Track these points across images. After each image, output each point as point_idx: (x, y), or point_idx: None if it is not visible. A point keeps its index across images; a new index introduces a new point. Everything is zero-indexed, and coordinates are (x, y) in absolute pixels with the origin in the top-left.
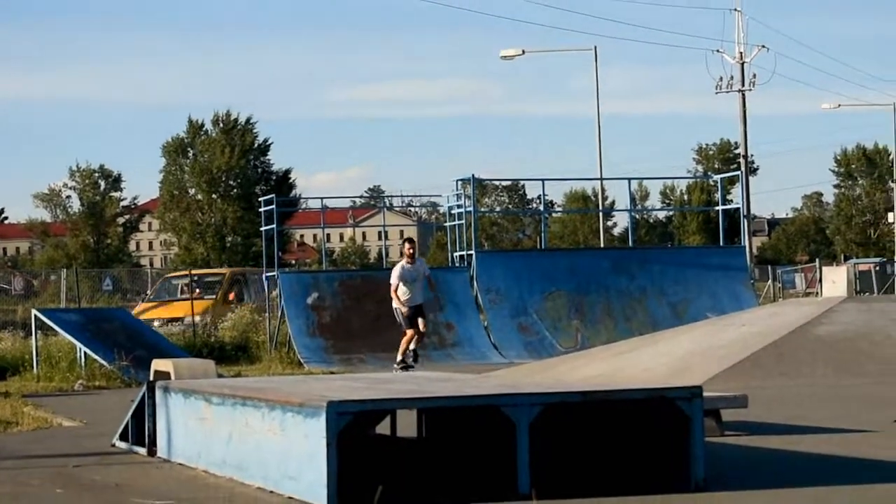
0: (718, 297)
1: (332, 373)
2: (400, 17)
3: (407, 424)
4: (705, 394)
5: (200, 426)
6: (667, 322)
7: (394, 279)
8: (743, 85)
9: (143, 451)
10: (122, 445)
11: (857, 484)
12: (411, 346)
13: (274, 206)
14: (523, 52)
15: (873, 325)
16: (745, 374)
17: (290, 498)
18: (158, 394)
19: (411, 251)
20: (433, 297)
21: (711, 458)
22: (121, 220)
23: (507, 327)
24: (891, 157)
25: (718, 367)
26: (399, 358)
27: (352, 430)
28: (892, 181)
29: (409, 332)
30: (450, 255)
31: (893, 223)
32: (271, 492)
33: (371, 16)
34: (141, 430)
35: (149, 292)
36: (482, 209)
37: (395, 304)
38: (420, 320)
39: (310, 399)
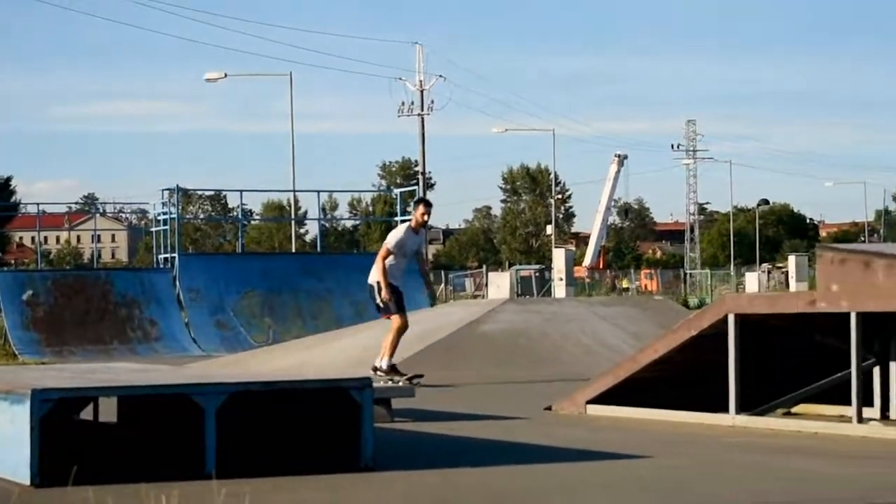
0: None
1: (43, 363)
2: (126, 43)
3: (110, 411)
4: (378, 384)
5: None
6: (350, 320)
7: (390, 242)
8: (422, 110)
9: None
10: None
11: (510, 465)
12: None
13: None
14: (226, 75)
15: (530, 323)
16: (417, 366)
17: None
18: None
19: (425, 217)
20: (423, 280)
21: (381, 441)
22: None
23: (206, 323)
24: (550, 176)
25: (393, 361)
26: (387, 360)
27: (55, 415)
28: (552, 197)
29: (399, 319)
30: (155, 257)
31: (551, 235)
32: None
33: (92, 43)
34: None
35: None
36: (186, 216)
37: (376, 276)
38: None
39: (16, 387)
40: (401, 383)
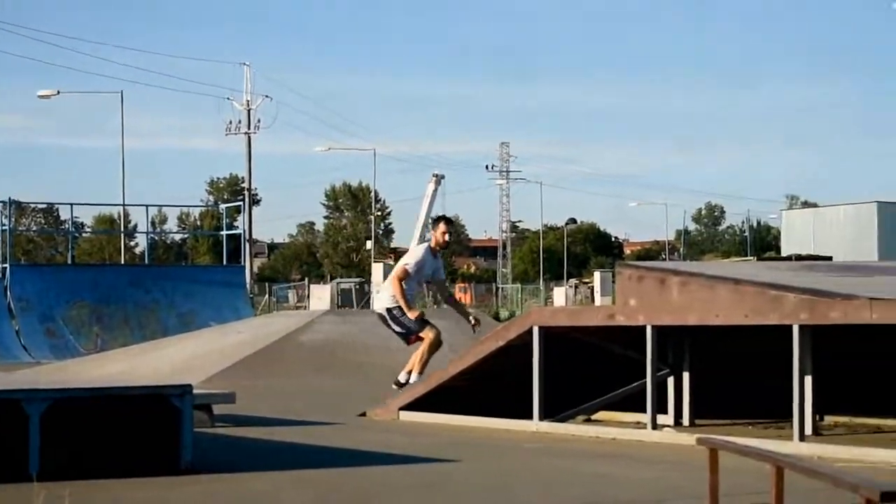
0: (221, 308)
1: None
2: None
3: None
4: (200, 390)
5: None
6: (176, 329)
7: (409, 262)
8: (249, 128)
9: None
10: None
11: (327, 468)
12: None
13: None
14: (59, 92)
15: (348, 333)
16: (239, 374)
17: None
18: None
19: (446, 237)
20: (459, 309)
21: (202, 445)
22: None
23: (36, 332)
24: (371, 194)
25: (217, 368)
26: (416, 376)
27: None
28: (372, 214)
29: (429, 333)
30: None
31: (371, 249)
32: None
33: None
34: None
35: None
36: (19, 228)
37: (389, 300)
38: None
39: None
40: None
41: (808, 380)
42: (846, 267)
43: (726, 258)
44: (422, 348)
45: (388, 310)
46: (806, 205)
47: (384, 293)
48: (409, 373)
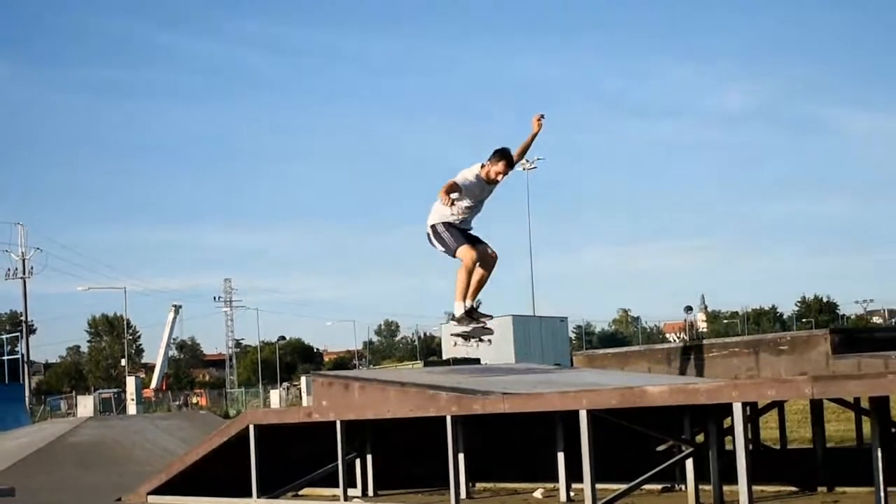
0: (4, 419)
1: None
2: None
3: None
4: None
5: None
6: None
7: (458, 177)
8: (24, 274)
9: None
10: None
11: None
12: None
13: None
14: None
15: (108, 435)
16: (19, 472)
17: None
18: None
19: (500, 178)
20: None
21: None
22: None
23: None
24: (124, 322)
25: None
26: (468, 302)
27: None
28: (125, 338)
29: (465, 251)
30: None
31: (125, 366)
32: None
33: None
34: None
35: None
36: None
37: (435, 214)
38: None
39: None
40: (471, 328)
41: (461, 456)
42: (487, 369)
43: (401, 363)
44: (458, 275)
45: (433, 226)
46: None
47: (432, 211)
48: (456, 303)
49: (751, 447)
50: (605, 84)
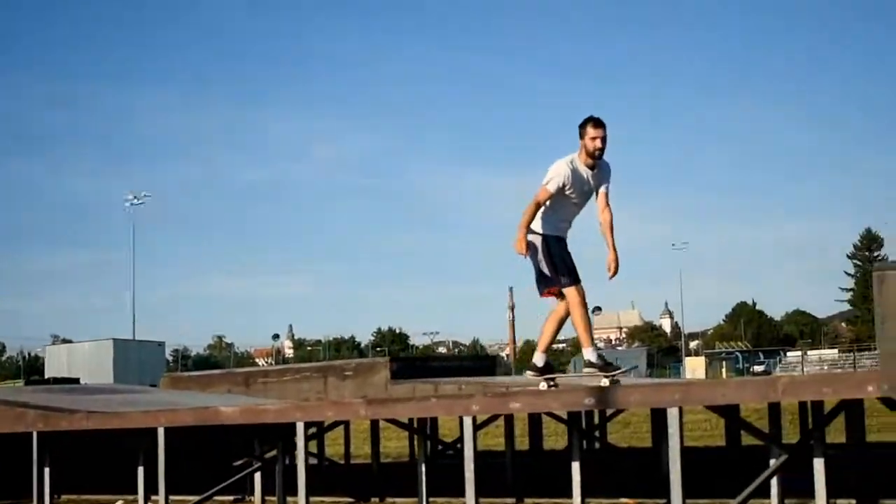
0: None
1: None
2: None
3: None
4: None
5: None
6: None
7: (548, 180)
8: None
9: None
10: None
11: None
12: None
13: None
14: None
15: None
16: None
17: None
18: None
19: (599, 144)
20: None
21: None
22: None
23: None
24: None
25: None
26: (592, 351)
27: None
28: None
29: (574, 292)
30: None
31: None
32: None
33: None
34: None
35: None
36: None
37: (521, 234)
38: None
39: None
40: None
41: (47, 471)
42: (80, 388)
43: (3, 382)
44: (574, 311)
45: (545, 238)
46: (64, 341)
47: (538, 216)
48: (586, 349)
49: (318, 462)
50: None
